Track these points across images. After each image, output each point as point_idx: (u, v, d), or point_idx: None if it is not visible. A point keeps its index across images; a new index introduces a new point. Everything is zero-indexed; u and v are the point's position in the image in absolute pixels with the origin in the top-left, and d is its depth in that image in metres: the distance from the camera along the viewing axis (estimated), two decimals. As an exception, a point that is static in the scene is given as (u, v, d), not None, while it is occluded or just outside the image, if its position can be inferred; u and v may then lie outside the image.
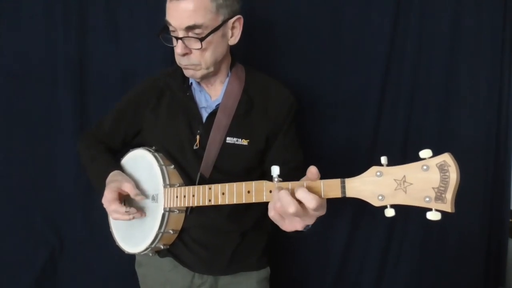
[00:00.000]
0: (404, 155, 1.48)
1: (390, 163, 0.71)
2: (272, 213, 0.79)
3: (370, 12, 1.45)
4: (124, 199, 1.08)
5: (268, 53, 1.47)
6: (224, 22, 0.99)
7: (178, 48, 0.98)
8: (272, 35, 1.46)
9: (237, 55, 1.15)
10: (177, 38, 0.97)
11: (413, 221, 1.48)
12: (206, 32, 0.96)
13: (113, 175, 1.07)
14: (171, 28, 0.99)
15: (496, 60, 1.48)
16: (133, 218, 1.03)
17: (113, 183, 1.03)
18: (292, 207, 0.73)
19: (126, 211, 1.00)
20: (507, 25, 1.47)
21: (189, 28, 0.95)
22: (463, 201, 1.47)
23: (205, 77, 1.07)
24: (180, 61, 1.02)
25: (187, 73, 1.05)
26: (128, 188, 1.01)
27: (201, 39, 0.96)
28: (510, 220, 1.56)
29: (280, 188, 0.77)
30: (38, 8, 1.43)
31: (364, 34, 1.46)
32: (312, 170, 0.77)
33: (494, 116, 1.50)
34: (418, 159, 0.67)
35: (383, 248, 1.52)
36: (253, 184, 0.85)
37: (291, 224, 0.79)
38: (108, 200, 1.00)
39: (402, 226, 1.50)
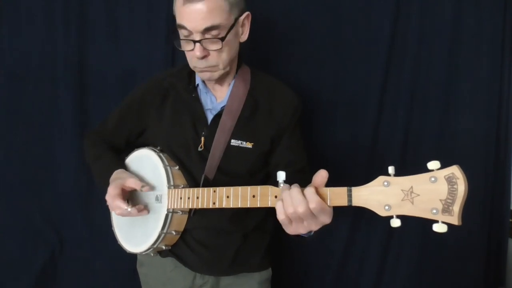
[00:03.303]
0: (404, 155, 1.47)
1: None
2: (282, 217, 0.79)
3: (370, 12, 1.45)
4: (128, 198, 1.08)
5: (268, 53, 1.47)
6: (236, 20, 0.99)
7: (197, 51, 0.96)
8: (271, 35, 1.46)
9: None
10: (195, 42, 0.95)
11: (413, 221, 1.47)
12: (223, 32, 0.96)
13: (117, 173, 1.07)
14: (184, 33, 0.96)
15: (496, 60, 1.48)
16: (136, 215, 1.02)
17: (117, 180, 1.03)
18: (302, 206, 0.75)
19: (126, 209, 1.00)
20: (507, 25, 1.47)
21: (207, 30, 0.94)
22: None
23: (222, 78, 1.06)
24: (197, 64, 1.00)
25: (203, 76, 1.03)
26: (132, 183, 1.01)
27: (222, 39, 0.95)
28: (510, 220, 1.56)
29: (288, 187, 0.78)
30: (38, 8, 1.44)
31: (364, 34, 1.46)
32: (322, 174, 0.77)
33: (494, 116, 1.50)
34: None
35: (383, 248, 1.52)
36: (259, 189, 0.85)
37: (297, 228, 0.81)
38: (112, 196, 1.00)
39: (402, 226, 1.49)
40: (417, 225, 1.48)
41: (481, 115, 1.49)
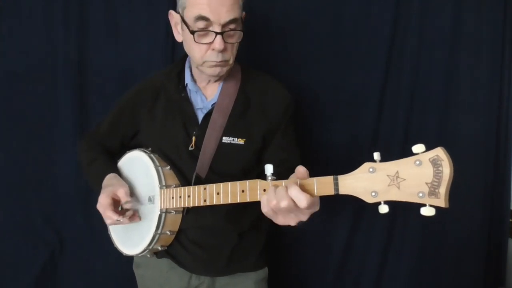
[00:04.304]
0: (404, 155, 1.47)
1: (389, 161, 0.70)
2: (265, 209, 0.80)
3: (370, 11, 1.45)
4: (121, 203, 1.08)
5: (268, 53, 1.47)
6: (241, 15, 1.00)
7: (218, 43, 0.94)
8: (271, 34, 1.46)
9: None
10: (217, 33, 0.94)
11: (413, 220, 1.48)
12: (239, 25, 0.97)
13: (109, 179, 1.07)
14: (201, 25, 0.94)
15: (496, 60, 1.48)
16: (127, 223, 1.03)
17: (108, 188, 1.02)
18: (284, 202, 0.75)
19: (117, 220, 1.00)
20: (507, 25, 1.47)
21: (229, 23, 0.94)
22: (463, 201, 1.48)
23: (226, 74, 1.06)
24: (212, 58, 0.98)
25: (214, 71, 1.01)
26: (120, 194, 1.01)
27: (243, 31, 0.97)
28: (510, 220, 1.56)
29: (276, 186, 0.78)
30: (38, 8, 1.44)
31: (364, 34, 1.46)
32: (301, 170, 0.77)
33: (494, 116, 1.50)
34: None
35: (383, 248, 1.52)
36: (247, 183, 0.85)
37: (285, 220, 0.81)
38: (103, 206, 1.00)
39: (402, 226, 1.50)
40: (417, 225, 1.48)
41: (481, 115, 1.49)
